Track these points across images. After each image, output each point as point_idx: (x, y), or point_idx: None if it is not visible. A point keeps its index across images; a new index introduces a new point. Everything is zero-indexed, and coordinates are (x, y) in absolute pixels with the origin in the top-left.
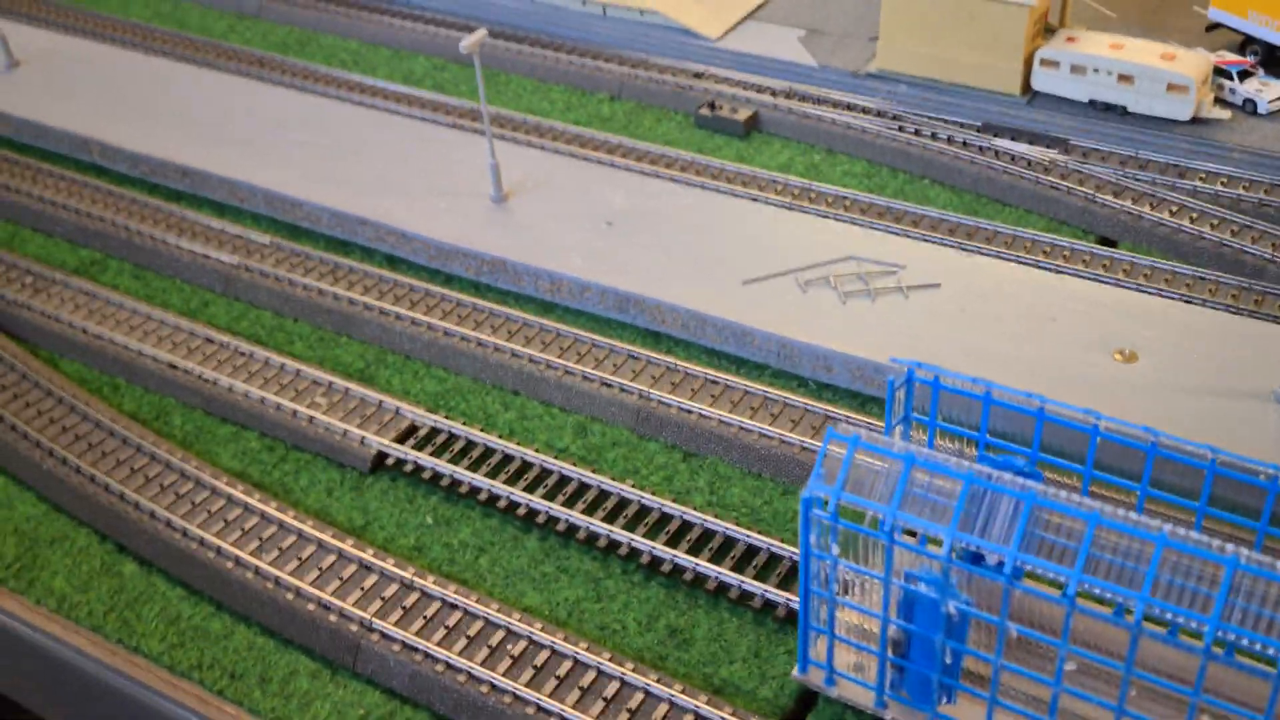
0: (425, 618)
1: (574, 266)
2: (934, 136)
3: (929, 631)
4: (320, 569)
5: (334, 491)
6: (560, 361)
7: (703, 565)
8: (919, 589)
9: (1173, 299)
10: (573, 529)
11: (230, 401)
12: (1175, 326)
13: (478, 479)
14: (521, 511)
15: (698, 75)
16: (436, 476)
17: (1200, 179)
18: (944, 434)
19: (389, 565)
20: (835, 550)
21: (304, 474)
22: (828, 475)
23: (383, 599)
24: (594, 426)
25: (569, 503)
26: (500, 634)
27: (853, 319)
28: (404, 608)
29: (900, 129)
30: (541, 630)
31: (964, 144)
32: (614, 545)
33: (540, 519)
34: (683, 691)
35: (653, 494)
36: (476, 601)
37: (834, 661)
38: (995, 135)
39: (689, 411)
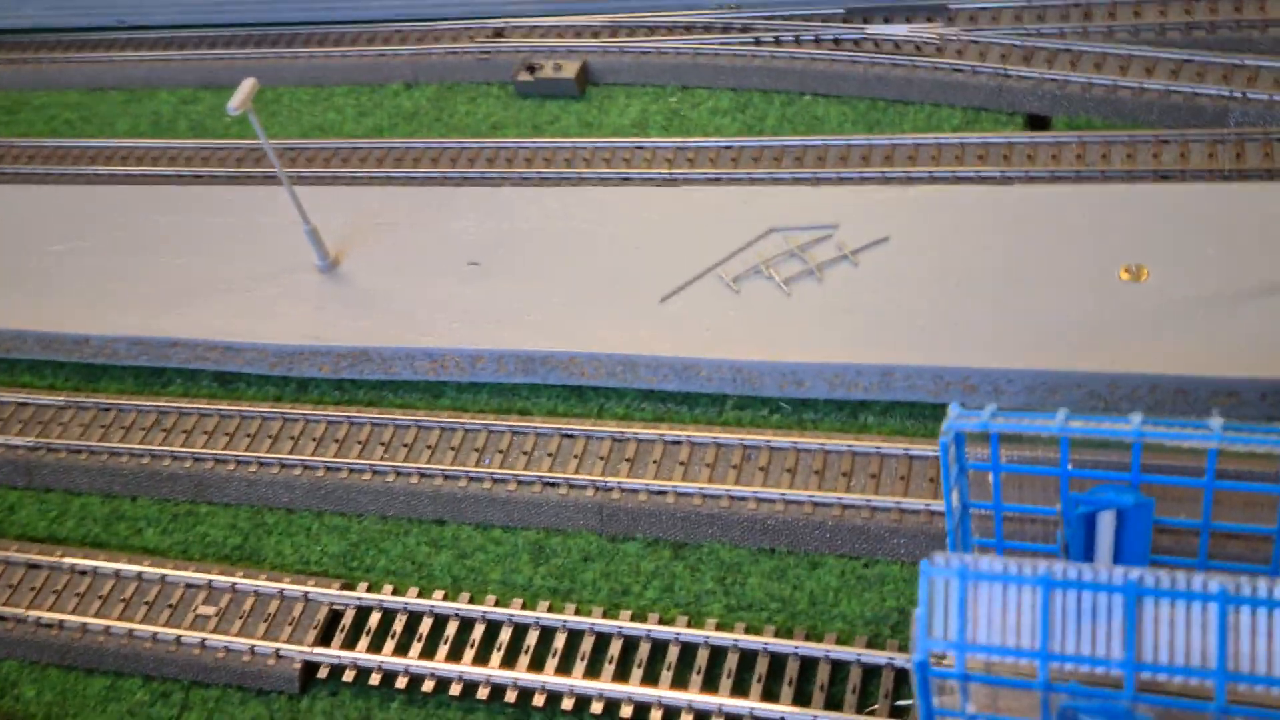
0: None
1: (451, 333)
2: (797, 40)
3: None
4: None
5: None
6: (483, 470)
7: (763, 708)
8: None
9: (1146, 178)
10: (584, 701)
11: (89, 646)
12: (1166, 216)
13: (441, 666)
14: (512, 695)
15: (498, 33)
16: (389, 676)
17: (1109, 16)
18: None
19: None
20: (970, 709)
21: (219, 719)
22: (933, 618)
23: None
24: (551, 542)
25: (564, 665)
26: None
27: (806, 311)
28: None
29: (756, 41)
30: None
31: (835, 42)
32: (642, 709)
33: (538, 698)
34: None
35: (661, 622)
36: None
37: None
38: (865, 21)
39: (661, 493)
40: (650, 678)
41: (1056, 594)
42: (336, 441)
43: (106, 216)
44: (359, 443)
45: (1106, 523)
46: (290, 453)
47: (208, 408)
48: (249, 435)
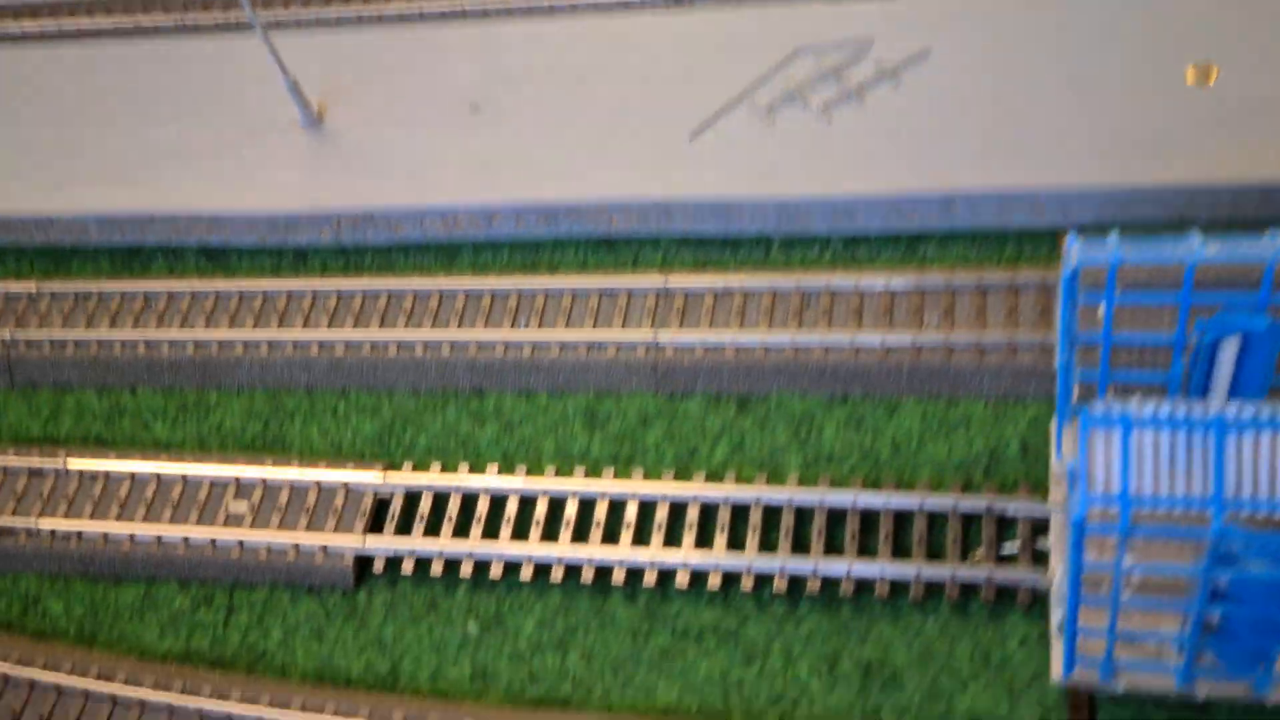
0: None
1: (462, 187)
2: None
3: (1265, 609)
4: None
5: (324, 633)
6: (521, 335)
7: (861, 565)
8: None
9: None
10: (667, 575)
11: (115, 555)
12: (1234, 3)
13: (506, 548)
14: (588, 574)
15: None
16: (451, 564)
17: None
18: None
19: None
20: (1129, 559)
21: (270, 623)
22: (1091, 474)
23: None
24: (604, 405)
25: (640, 537)
26: None
27: (851, 138)
28: None
29: None
30: None
31: None
32: (731, 578)
33: (616, 575)
34: None
35: (737, 480)
36: None
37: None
38: None
39: (719, 347)
40: (735, 543)
41: (1230, 438)
42: (353, 315)
43: (51, 85)
44: (378, 314)
45: (1229, 351)
46: (304, 329)
47: (203, 287)
48: (253, 313)
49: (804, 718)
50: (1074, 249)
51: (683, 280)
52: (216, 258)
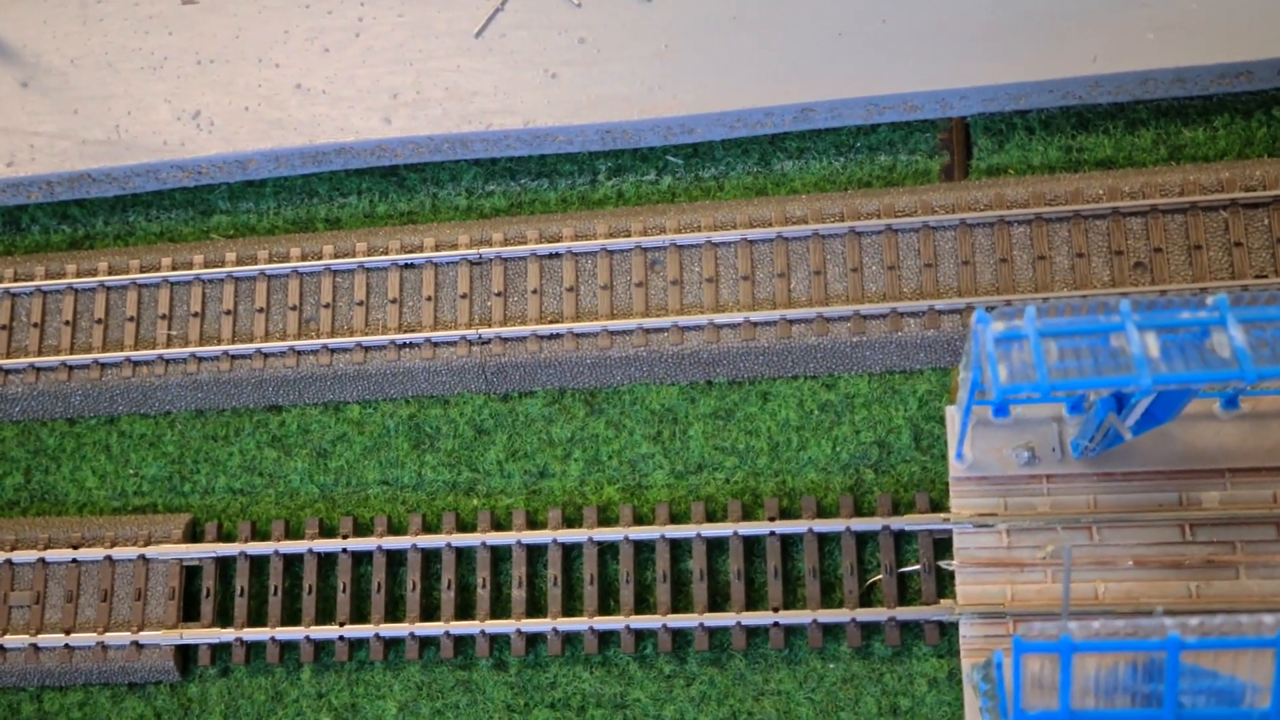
0: None
1: (195, 130)
2: None
3: None
4: None
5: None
6: (312, 341)
7: (750, 617)
8: None
9: None
10: (535, 639)
11: None
12: None
13: (349, 629)
14: (448, 646)
15: None
16: (289, 647)
17: None
18: None
19: None
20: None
21: None
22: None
23: None
24: (430, 414)
25: (496, 593)
26: None
27: (680, 31)
28: None
29: None
30: None
31: None
32: (607, 638)
33: (480, 644)
34: None
35: (602, 521)
36: None
37: None
38: None
39: (555, 336)
40: (606, 590)
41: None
42: (96, 318)
43: None
44: (127, 316)
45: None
46: (40, 346)
47: None
48: None
49: None
50: (984, 329)
51: (500, 240)
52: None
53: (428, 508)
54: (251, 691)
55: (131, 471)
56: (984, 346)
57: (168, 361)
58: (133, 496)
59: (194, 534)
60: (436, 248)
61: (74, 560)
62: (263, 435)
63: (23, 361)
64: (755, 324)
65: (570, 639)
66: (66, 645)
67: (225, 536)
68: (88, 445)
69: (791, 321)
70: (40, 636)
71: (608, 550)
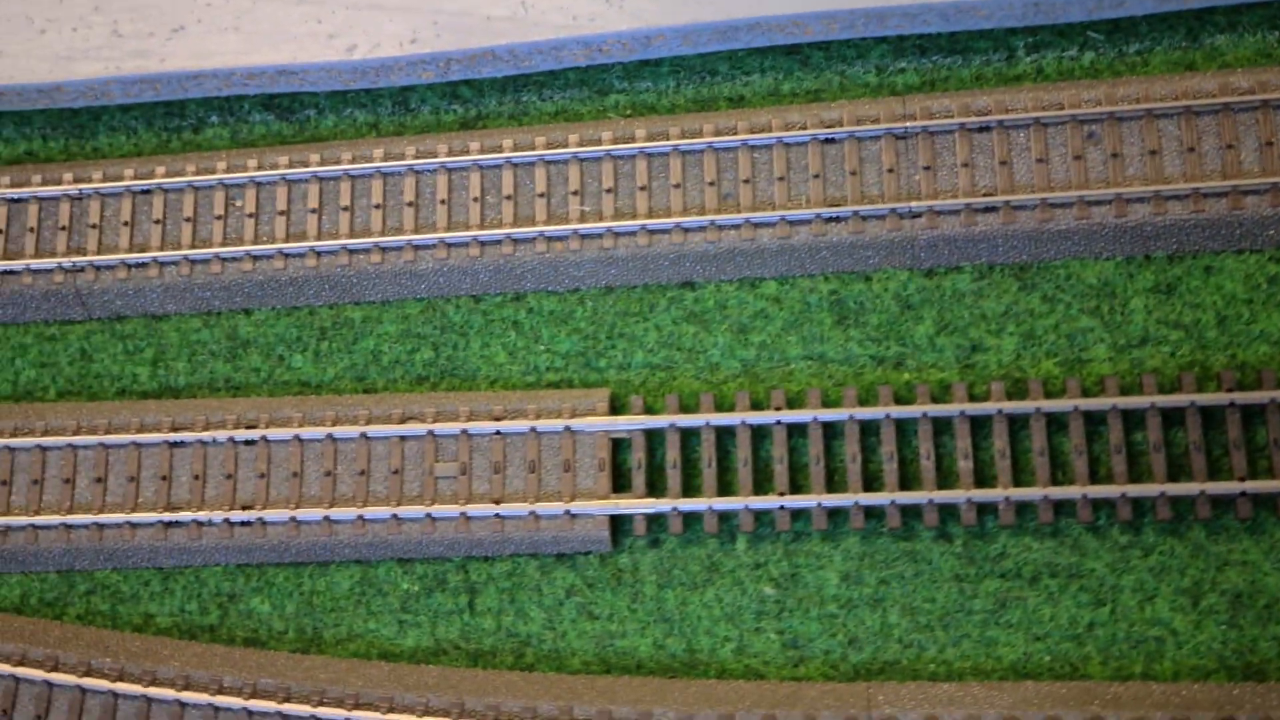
0: None
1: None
2: None
3: None
4: None
5: (593, 610)
6: (727, 215)
7: (1215, 485)
8: None
9: None
10: (985, 509)
11: (316, 540)
12: None
13: (790, 499)
14: (893, 516)
15: None
16: (726, 517)
17: None
18: None
19: None
20: None
21: (525, 602)
22: None
23: None
24: (852, 290)
25: (942, 466)
26: None
27: None
28: None
29: None
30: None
31: None
32: (1062, 508)
33: (928, 516)
34: None
35: (1047, 395)
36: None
37: None
38: None
39: (990, 209)
40: (1059, 464)
41: None
42: (508, 195)
43: None
44: (537, 193)
45: None
46: (449, 223)
47: (301, 170)
48: (381, 205)
49: (1172, 662)
50: None
51: (925, 112)
52: (285, 113)
53: (855, 382)
54: (685, 561)
55: (543, 347)
56: None
57: (583, 237)
58: (545, 372)
59: (615, 407)
60: (858, 122)
61: (497, 432)
62: (678, 311)
63: (433, 237)
64: (1204, 195)
65: (1021, 509)
66: (497, 515)
67: (647, 410)
68: (495, 322)
69: (1244, 192)
70: (469, 506)
71: (1054, 422)
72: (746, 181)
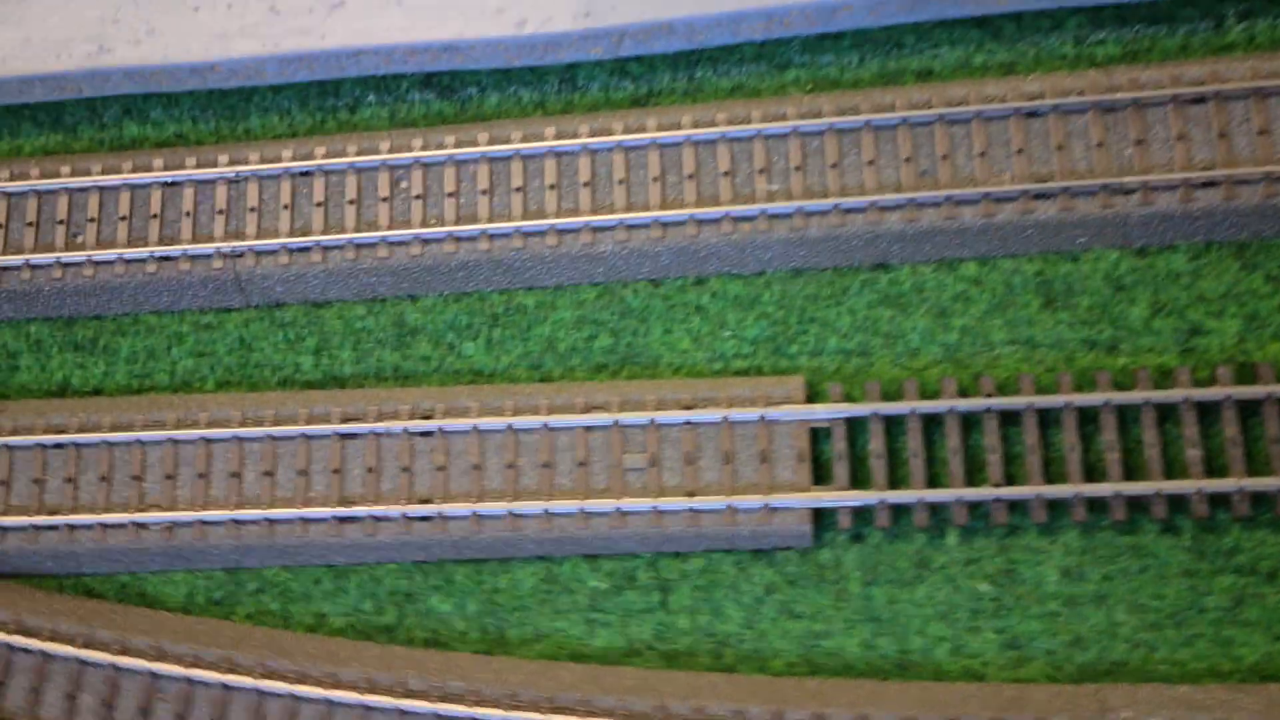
0: None
1: None
2: None
3: None
4: None
5: (794, 608)
6: (928, 192)
7: None
8: None
9: None
10: (1218, 500)
11: (498, 535)
12: None
13: (1008, 490)
14: (1118, 509)
15: None
16: (938, 509)
17: None
18: None
19: None
20: None
21: (721, 600)
22: None
23: None
24: (1058, 271)
25: (1168, 455)
26: None
27: None
28: None
29: None
30: None
31: None
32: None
33: (1155, 507)
34: None
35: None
36: None
37: None
38: None
39: (1211, 185)
40: None
41: None
42: (689, 174)
43: None
44: (721, 171)
45: None
46: (628, 203)
47: (465, 150)
48: (553, 186)
49: None
50: None
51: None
52: (446, 91)
53: (1067, 367)
54: (892, 557)
55: (729, 333)
56: None
57: (771, 217)
58: (732, 359)
59: (811, 395)
60: (1062, 94)
61: (688, 422)
62: (872, 294)
63: (612, 219)
64: None
65: (1258, 500)
66: (691, 509)
67: (846, 397)
68: (677, 307)
69: None
70: (661, 500)
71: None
72: (945, 158)
